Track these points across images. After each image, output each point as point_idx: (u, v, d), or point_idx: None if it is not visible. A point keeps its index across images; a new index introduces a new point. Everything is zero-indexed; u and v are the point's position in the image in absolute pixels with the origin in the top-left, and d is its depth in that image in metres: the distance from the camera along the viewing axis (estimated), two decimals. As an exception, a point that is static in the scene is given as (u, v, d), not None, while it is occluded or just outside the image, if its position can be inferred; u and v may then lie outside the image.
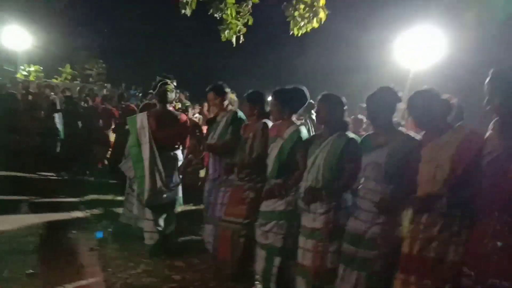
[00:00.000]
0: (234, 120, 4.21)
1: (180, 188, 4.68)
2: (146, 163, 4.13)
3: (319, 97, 3.27)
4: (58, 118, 9.33)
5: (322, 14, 5.37)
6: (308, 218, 3.14)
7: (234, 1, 5.68)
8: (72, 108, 9.06)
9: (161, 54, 22.38)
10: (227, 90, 4.43)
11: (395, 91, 2.90)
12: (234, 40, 6.13)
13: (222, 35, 6.13)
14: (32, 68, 15.98)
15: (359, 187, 2.98)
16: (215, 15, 5.78)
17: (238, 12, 5.92)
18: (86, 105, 9.33)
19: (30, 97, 9.66)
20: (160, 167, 4.18)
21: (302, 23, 5.49)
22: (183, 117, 4.40)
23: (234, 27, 5.98)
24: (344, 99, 3.26)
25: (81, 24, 20.18)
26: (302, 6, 5.40)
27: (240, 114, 4.31)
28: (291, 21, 5.56)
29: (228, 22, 5.95)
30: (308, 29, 5.56)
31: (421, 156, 2.65)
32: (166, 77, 4.40)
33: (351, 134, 3.18)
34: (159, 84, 4.26)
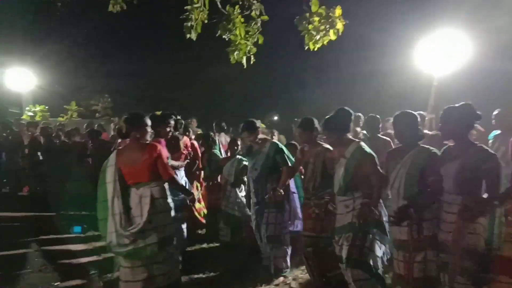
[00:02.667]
0: (278, 151, 4.72)
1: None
2: (109, 203, 3.65)
3: (394, 116, 3.45)
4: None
5: (339, 25, 4.95)
6: (395, 230, 3.33)
7: (242, 20, 5.29)
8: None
9: (167, 84, 22.22)
10: (258, 125, 4.87)
11: (474, 109, 3.07)
12: (244, 61, 5.73)
13: (231, 57, 5.75)
14: (37, 108, 15.74)
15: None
16: (224, 36, 5.39)
17: (247, 32, 5.54)
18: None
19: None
20: (118, 208, 3.63)
21: (317, 37, 5.07)
22: (150, 147, 3.77)
23: (244, 48, 5.59)
24: (417, 115, 3.40)
25: (85, 61, 20.14)
26: (316, 19, 4.98)
27: (280, 144, 4.86)
28: (306, 36, 5.13)
29: (237, 42, 5.56)
30: (325, 42, 5.14)
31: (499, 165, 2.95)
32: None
33: (432, 148, 3.28)
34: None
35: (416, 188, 3.18)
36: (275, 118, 23.18)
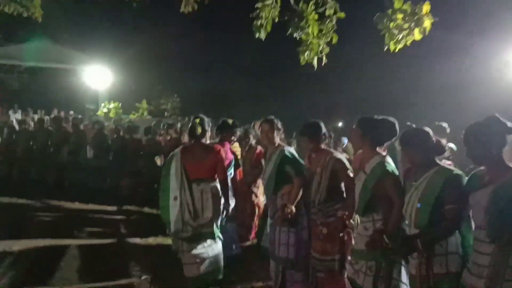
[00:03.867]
0: (285, 160, 4.04)
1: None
2: (174, 194, 4.01)
3: (401, 137, 2.97)
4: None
5: (427, 23, 4.37)
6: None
7: (316, 17, 4.90)
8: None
9: (235, 85, 22.36)
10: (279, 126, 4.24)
11: (504, 120, 2.43)
12: (315, 62, 5.33)
13: (301, 58, 5.36)
14: (111, 105, 16.51)
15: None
16: (295, 35, 5.04)
17: (320, 30, 5.13)
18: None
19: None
20: (187, 200, 3.99)
21: (400, 36, 4.53)
22: (215, 149, 4.20)
23: (316, 48, 5.19)
24: (430, 130, 2.86)
25: (158, 61, 20.86)
26: (400, 16, 4.45)
27: (290, 151, 4.12)
28: (386, 35, 4.61)
29: (309, 42, 5.17)
30: (408, 43, 4.58)
31: None
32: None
33: (454, 169, 2.75)
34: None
35: (427, 218, 2.66)
36: (340, 124, 22.10)
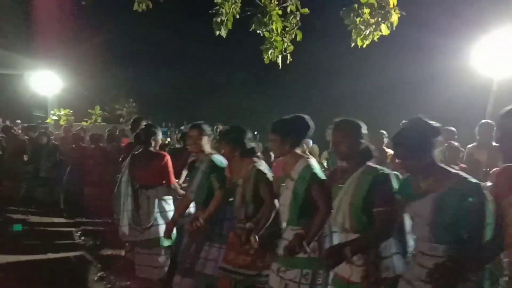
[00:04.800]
0: (213, 169, 3.65)
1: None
2: (122, 200, 4.28)
3: (331, 126, 2.64)
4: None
5: (394, 17, 4.24)
6: (343, 266, 2.48)
7: (280, 13, 4.66)
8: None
9: (193, 90, 21.87)
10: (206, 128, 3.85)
11: (429, 122, 2.24)
12: (279, 61, 5.10)
13: (265, 56, 5.12)
14: (62, 112, 15.58)
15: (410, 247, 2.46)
16: (258, 31, 4.77)
17: (284, 27, 4.90)
18: None
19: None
20: (131, 206, 4.24)
21: (367, 31, 4.37)
22: (161, 155, 4.37)
23: (280, 45, 4.95)
24: (362, 124, 2.60)
25: (110, 65, 20.04)
26: (367, 10, 4.29)
27: (218, 160, 3.71)
28: (353, 30, 4.45)
29: (272, 39, 4.92)
30: (375, 38, 4.44)
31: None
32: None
33: (380, 168, 2.52)
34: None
35: (362, 221, 2.46)
36: None
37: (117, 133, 10.71)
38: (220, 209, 3.61)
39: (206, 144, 3.78)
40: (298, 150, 2.98)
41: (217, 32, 5.05)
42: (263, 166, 3.35)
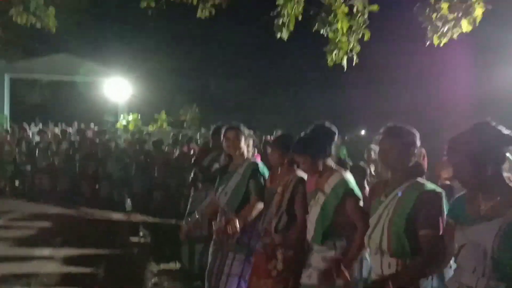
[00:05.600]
0: (254, 174, 3.34)
1: None
2: None
3: (381, 132, 2.30)
4: None
5: (478, 12, 3.74)
6: None
7: (346, 11, 4.34)
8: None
9: (253, 96, 21.95)
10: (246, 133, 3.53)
11: (499, 128, 1.79)
12: (345, 62, 4.77)
13: (329, 58, 4.83)
14: (130, 117, 16.31)
15: (448, 278, 1.99)
16: (321, 31, 4.49)
17: (350, 27, 4.58)
18: None
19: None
20: None
21: (445, 28, 3.92)
22: None
23: (345, 46, 4.63)
24: (416, 133, 2.25)
25: (175, 71, 20.70)
26: (445, 5, 3.84)
27: (261, 165, 3.42)
28: (429, 27, 4.01)
29: (337, 40, 4.61)
30: (455, 35, 3.97)
31: None
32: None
33: (429, 185, 2.15)
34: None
35: (402, 244, 2.09)
36: (362, 132, 20.13)
37: (180, 138, 10.96)
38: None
39: (245, 147, 3.48)
40: (331, 162, 2.74)
41: (278, 35, 4.87)
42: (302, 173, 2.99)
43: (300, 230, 2.85)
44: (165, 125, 17.51)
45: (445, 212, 2.06)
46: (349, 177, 2.67)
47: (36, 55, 17.18)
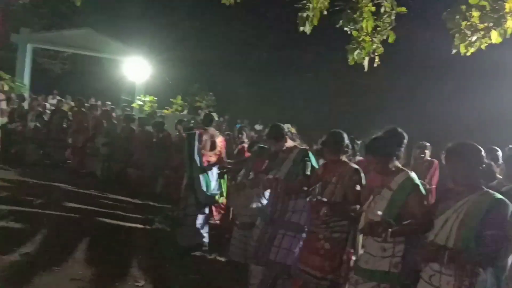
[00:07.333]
0: (306, 159, 3.97)
1: None
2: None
3: (447, 149, 2.62)
4: None
5: (509, 23, 3.60)
6: (437, 279, 2.46)
7: (373, 10, 4.23)
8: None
9: (272, 89, 21.81)
10: (286, 130, 4.34)
11: None
12: (366, 63, 4.67)
13: (350, 57, 4.73)
14: (147, 99, 16.32)
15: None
16: (346, 28, 4.39)
17: (375, 27, 4.46)
18: None
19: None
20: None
21: (474, 37, 3.78)
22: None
23: (369, 46, 4.51)
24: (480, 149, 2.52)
25: (195, 57, 20.66)
26: (476, 14, 3.70)
27: (310, 153, 4.08)
28: (456, 35, 3.88)
29: (361, 39, 4.50)
30: (483, 46, 3.83)
31: None
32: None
33: (499, 195, 2.45)
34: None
35: (472, 242, 2.39)
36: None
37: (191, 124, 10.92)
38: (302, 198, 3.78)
39: (287, 140, 4.24)
40: (397, 162, 2.99)
41: (301, 28, 4.79)
42: (357, 167, 3.49)
43: (355, 216, 3.19)
44: (180, 109, 17.47)
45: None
46: (414, 175, 2.91)
47: (59, 28, 17.28)
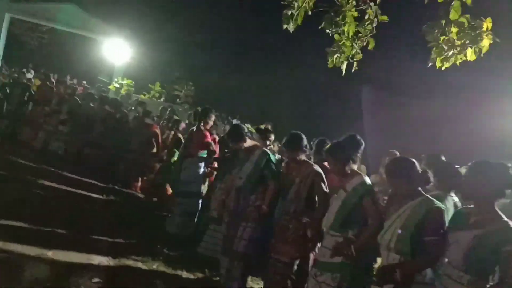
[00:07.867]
0: (268, 162, 4.30)
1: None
2: None
3: (385, 167, 3.09)
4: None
5: (485, 42, 3.68)
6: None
7: (356, 15, 4.25)
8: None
9: (251, 81, 21.79)
10: (245, 130, 4.82)
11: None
12: (344, 67, 4.68)
13: (330, 60, 4.72)
14: (124, 82, 16.01)
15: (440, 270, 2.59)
16: (327, 30, 4.39)
17: (356, 32, 4.48)
18: None
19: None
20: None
21: (450, 53, 3.85)
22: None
23: (348, 51, 4.53)
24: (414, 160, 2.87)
25: (177, 45, 20.44)
26: (454, 30, 3.76)
27: (270, 154, 4.41)
28: (434, 49, 3.94)
29: (341, 43, 4.52)
30: (458, 62, 3.91)
31: None
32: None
33: (437, 202, 2.72)
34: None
35: (409, 244, 2.64)
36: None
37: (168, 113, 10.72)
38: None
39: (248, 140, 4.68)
40: (355, 166, 3.28)
41: (285, 26, 4.75)
42: (319, 169, 3.85)
43: (322, 212, 3.47)
44: (158, 96, 17.24)
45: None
46: (368, 180, 3.22)
47: (43, 1, 16.72)
